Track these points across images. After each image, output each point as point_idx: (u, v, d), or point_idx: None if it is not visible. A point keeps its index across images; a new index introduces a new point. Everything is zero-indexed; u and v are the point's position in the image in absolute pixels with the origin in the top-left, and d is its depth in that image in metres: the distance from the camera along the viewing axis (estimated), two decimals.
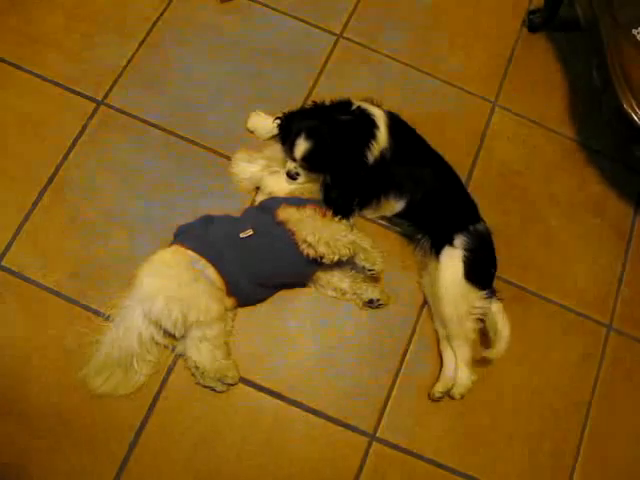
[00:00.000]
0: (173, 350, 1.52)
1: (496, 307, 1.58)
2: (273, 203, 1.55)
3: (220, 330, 1.47)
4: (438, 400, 1.58)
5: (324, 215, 1.52)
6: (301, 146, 1.51)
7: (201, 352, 1.44)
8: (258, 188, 1.69)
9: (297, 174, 1.57)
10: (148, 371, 1.49)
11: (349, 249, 1.46)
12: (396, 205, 1.64)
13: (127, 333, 1.45)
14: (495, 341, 1.56)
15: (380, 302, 1.63)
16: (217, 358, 1.46)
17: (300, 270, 1.57)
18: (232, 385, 1.52)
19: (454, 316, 1.54)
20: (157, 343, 1.49)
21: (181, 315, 1.40)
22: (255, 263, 1.50)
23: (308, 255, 1.47)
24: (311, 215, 1.49)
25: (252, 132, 1.79)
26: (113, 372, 1.45)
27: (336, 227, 1.49)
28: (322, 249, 1.44)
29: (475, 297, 1.55)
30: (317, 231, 1.45)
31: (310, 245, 1.46)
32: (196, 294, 1.41)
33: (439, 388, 1.56)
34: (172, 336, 1.48)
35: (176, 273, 1.42)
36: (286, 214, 1.49)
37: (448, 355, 1.59)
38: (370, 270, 1.53)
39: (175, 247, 1.49)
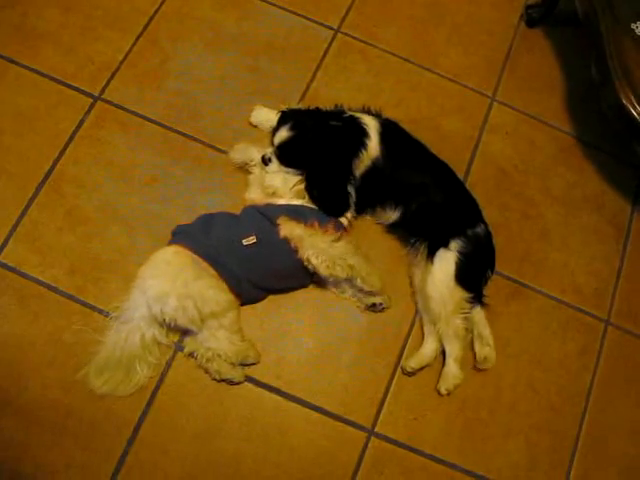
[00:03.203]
0: (182, 350, 1.52)
1: (478, 316, 1.62)
2: (274, 212, 1.54)
3: (234, 317, 1.50)
4: (409, 375, 1.59)
5: (326, 231, 1.51)
6: (281, 134, 1.54)
7: (219, 340, 1.46)
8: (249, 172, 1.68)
9: (269, 160, 1.58)
10: (149, 372, 1.49)
11: (347, 273, 1.50)
12: (392, 215, 1.65)
13: (129, 335, 1.45)
14: (480, 346, 1.61)
15: (383, 306, 1.63)
16: (235, 342, 1.48)
17: (300, 280, 1.61)
18: (255, 364, 1.54)
19: (442, 315, 1.55)
20: (159, 344, 1.50)
21: (196, 310, 1.41)
22: (257, 270, 1.51)
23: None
24: (313, 234, 1.49)
25: (256, 126, 1.78)
26: (114, 373, 1.45)
27: (338, 250, 1.50)
28: (322, 271, 1.49)
29: (463, 298, 1.55)
30: (320, 254, 1.48)
31: (312, 266, 1.49)
32: (204, 288, 1.42)
33: (411, 363, 1.57)
34: (176, 334, 1.51)
35: (180, 272, 1.43)
36: (287, 230, 1.49)
37: (429, 337, 1.60)
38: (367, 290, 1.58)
39: (176, 247, 1.48)
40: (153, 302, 1.43)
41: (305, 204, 1.58)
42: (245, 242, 1.48)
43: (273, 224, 1.50)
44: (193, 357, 1.51)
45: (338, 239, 1.52)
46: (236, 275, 1.49)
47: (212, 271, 1.46)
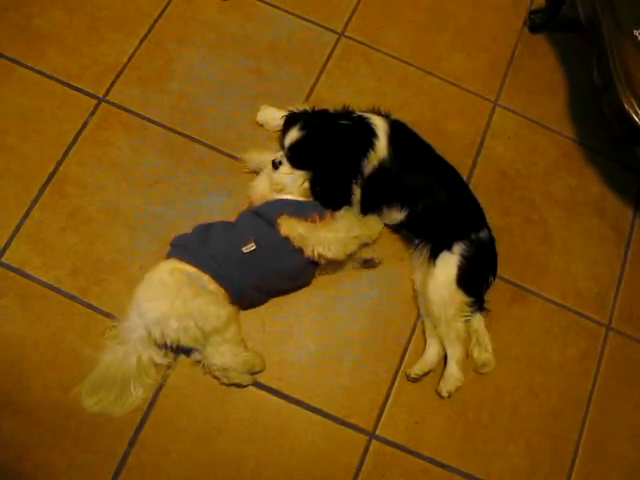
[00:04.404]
0: (190, 356, 1.51)
1: (478, 323, 1.62)
2: (271, 210, 1.53)
3: (235, 330, 1.49)
4: (414, 381, 1.59)
5: (324, 220, 1.52)
6: (292, 135, 1.53)
7: (223, 354, 1.45)
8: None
9: (280, 163, 1.57)
10: (144, 394, 1.47)
11: (357, 244, 1.55)
12: (397, 216, 1.65)
13: (126, 357, 1.43)
14: (478, 352, 1.62)
15: (375, 261, 1.66)
16: (239, 354, 1.48)
17: (303, 279, 1.61)
18: (261, 372, 1.54)
19: (443, 318, 1.55)
20: (156, 365, 1.48)
21: (198, 329, 1.40)
22: (259, 275, 1.51)
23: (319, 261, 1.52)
24: (315, 229, 1.49)
25: (261, 125, 1.79)
26: (107, 393, 1.44)
27: (342, 230, 1.51)
28: (341, 257, 1.52)
29: (464, 301, 1.56)
30: (331, 244, 1.49)
31: (328, 258, 1.51)
32: (204, 306, 1.41)
33: (415, 370, 1.57)
34: (174, 352, 1.49)
35: (178, 292, 1.40)
36: (288, 229, 1.48)
37: (431, 342, 1.61)
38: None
39: (173, 262, 1.47)
40: (153, 325, 1.41)
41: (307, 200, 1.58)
42: (245, 250, 1.47)
43: (272, 224, 1.50)
44: (200, 364, 1.50)
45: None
46: (238, 283, 1.48)
47: (212, 285, 1.45)
